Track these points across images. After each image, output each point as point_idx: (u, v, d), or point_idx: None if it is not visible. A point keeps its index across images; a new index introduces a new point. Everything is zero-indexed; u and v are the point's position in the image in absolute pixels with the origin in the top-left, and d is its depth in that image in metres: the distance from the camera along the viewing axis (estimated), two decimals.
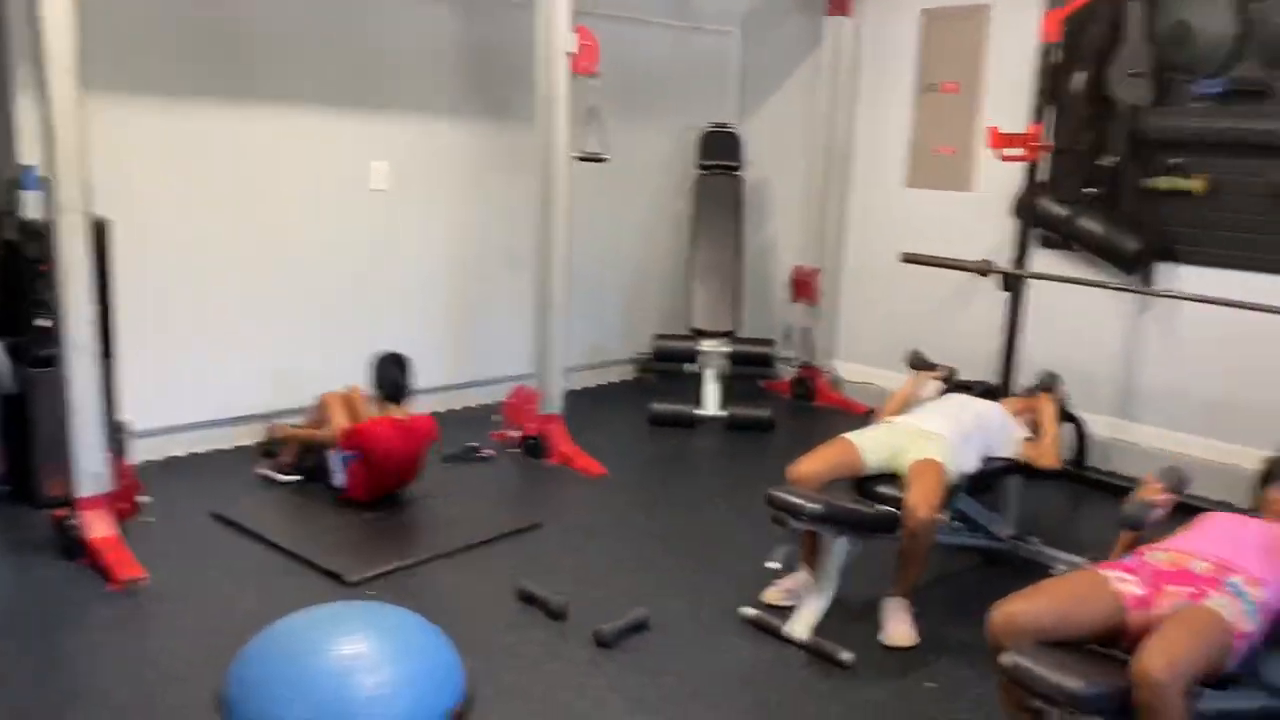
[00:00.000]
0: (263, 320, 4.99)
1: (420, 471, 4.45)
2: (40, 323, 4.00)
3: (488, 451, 5.07)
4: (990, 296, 5.22)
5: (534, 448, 5.08)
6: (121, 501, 3.86)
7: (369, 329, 5.23)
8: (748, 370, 6.10)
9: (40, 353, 4.03)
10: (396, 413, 4.45)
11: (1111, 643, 2.53)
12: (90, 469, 3.72)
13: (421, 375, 4.98)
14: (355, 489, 4.30)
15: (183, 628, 3.35)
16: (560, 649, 3.30)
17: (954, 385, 4.45)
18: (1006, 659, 2.43)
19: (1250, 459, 3.98)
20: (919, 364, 4.47)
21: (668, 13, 6.23)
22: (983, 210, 5.56)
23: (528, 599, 3.55)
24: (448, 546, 3.98)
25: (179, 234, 4.66)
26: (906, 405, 4.20)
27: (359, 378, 4.65)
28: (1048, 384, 4.33)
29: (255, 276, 4.94)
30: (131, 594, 3.50)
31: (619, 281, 6.46)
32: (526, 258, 5.13)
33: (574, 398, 5.38)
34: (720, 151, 6.41)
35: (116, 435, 4.10)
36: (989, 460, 3.85)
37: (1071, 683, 2.32)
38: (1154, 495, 2.91)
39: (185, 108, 4.60)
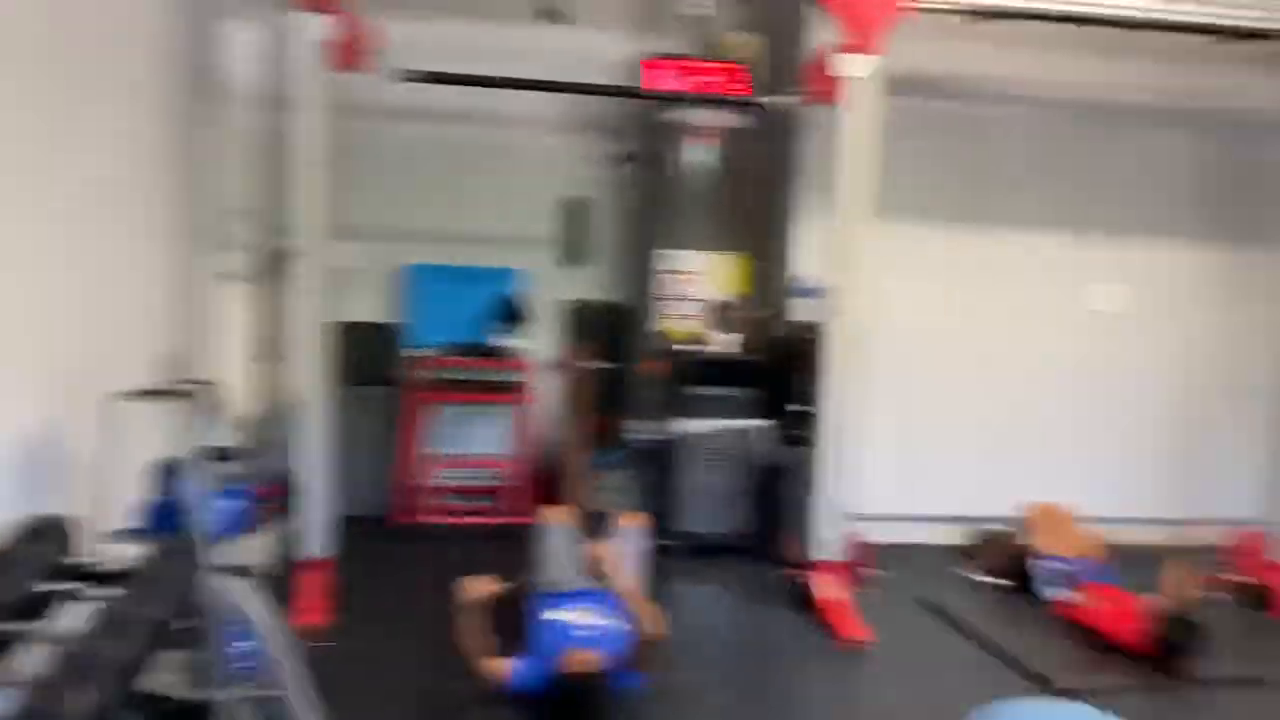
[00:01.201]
0: (979, 427, 5.26)
1: None
2: (798, 408, 4.73)
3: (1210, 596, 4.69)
4: None
5: (1258, 598, 4.60)
6: (850, 571, 4.34)
7: (1080, 448, 5.24)
8: None
9: (795, 433, 4.74)
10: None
11: None
12: (826, 538, 4.26)
13: (1133, 504, 4.84)
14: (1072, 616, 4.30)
15: (892, 690, 3.68)
16: None
17: None
18: None
19: None
20: None
21: None
22: None
23: None
24: (1161, 681, 3.80)
25: (919, 341, 5.14)
26: None
27: (1064, 495, 4.68)
28: None
29: (979, 386, 5.25)
30: (851, 652, 3.91)
31: None
32: (1265, 391, 4.73)
33: None
34: None
35: (848, 513, 4.62)
36: None
37: None
38: None
39: (934, 231, 5.12)
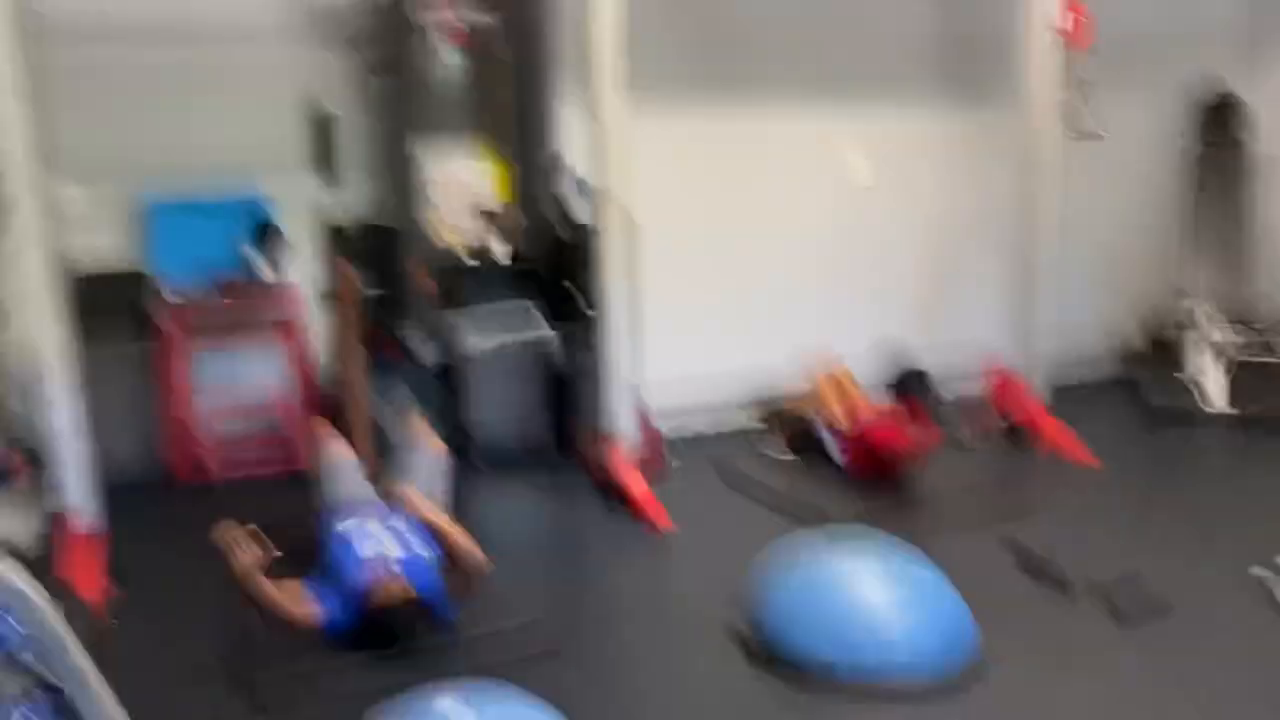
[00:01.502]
0: (757, 307, 5.41)
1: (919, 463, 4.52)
2: (580, 308, 4.70)
3: (964, 435, 5.06)
4: None
5: (1025, 437, 5.00)
6: (649, 462, 4.40)
7: (850, 315, 5.50)
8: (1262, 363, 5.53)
9: (580, 334, 4.71)
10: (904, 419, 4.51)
11: None
12: (622, 433, 4.30)
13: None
14: (854, 470, 4.55)
15: (701, 563, 3.83)
16: (1070, 621, 3.27)
17: None
18: None
19: None
20: None
21: None
22: None
23: (1031, 570, 3.55)
24: (946, 520, 4.11)
25: (683, 229, 5.14)
26: None
27: (844, 361, 4.91)
28: None
29: (746, 268, 5.37)
30: (659, 540, 4.00)
31: (1097, 268, 6.12)
32: (1007, 243, 5.09)
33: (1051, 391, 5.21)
34: (1221, 124, 5.87)
35: (641, 409, 4.66)
36: None
37: None
38: None
39: (688, 110, 5.11)
